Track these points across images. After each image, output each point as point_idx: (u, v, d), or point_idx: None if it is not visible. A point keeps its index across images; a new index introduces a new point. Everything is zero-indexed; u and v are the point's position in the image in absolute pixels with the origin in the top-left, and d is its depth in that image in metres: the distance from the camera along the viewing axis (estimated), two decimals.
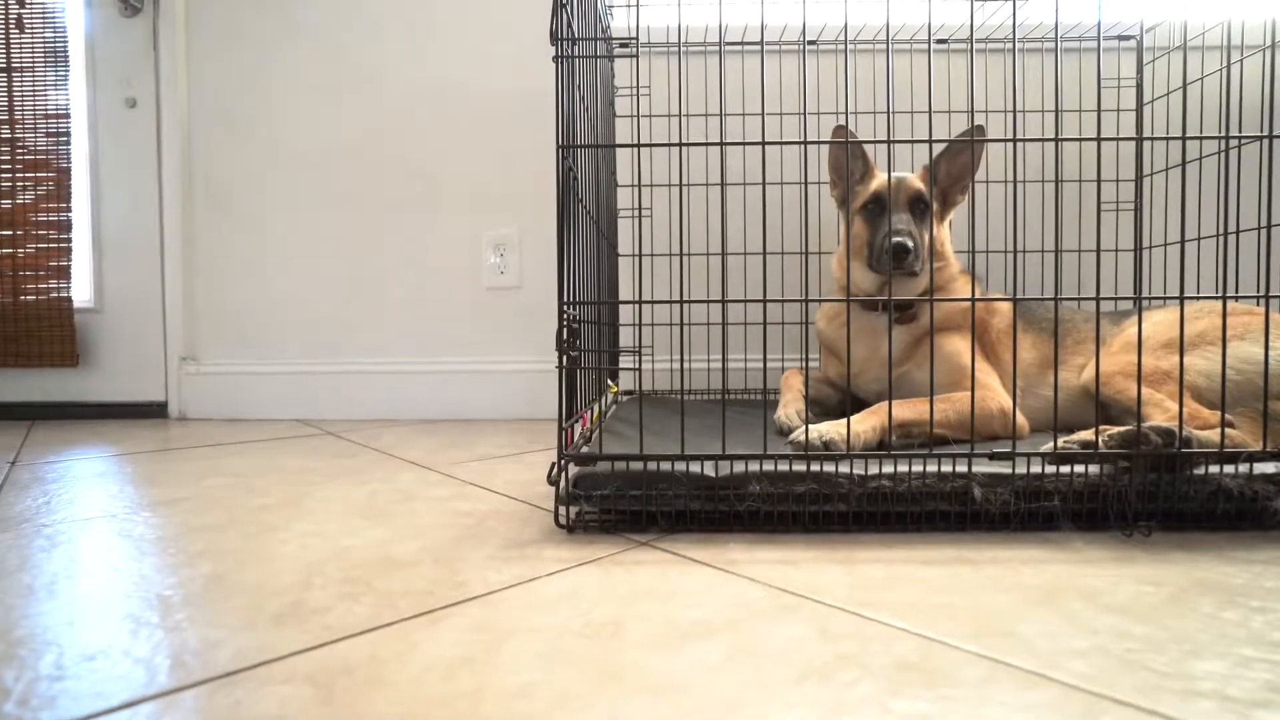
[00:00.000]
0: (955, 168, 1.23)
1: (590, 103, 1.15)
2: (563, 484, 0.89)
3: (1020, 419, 1.08)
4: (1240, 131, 0.93)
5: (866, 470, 0.85)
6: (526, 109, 1.86)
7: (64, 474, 1.25)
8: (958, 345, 1.18)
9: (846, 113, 1.00)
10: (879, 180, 1.25)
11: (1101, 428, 0.90)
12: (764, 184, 0.89)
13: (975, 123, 1.06)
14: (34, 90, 1.91)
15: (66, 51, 1.92)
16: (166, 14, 1.93)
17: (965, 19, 1.55)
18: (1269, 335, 1.00)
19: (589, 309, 1.09)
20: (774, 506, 0.86)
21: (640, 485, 0.86)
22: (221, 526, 0.92)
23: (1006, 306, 1.26)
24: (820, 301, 1.01)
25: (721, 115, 1.09)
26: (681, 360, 0.92)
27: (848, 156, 1.25)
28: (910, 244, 1.14)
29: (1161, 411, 0.98)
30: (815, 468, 0.86)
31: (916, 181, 1.22)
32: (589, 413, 1.11)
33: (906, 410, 1.02)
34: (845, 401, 1.05)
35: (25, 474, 1.26)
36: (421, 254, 1.94)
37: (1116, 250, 1.62)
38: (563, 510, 0.90)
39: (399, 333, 1.95)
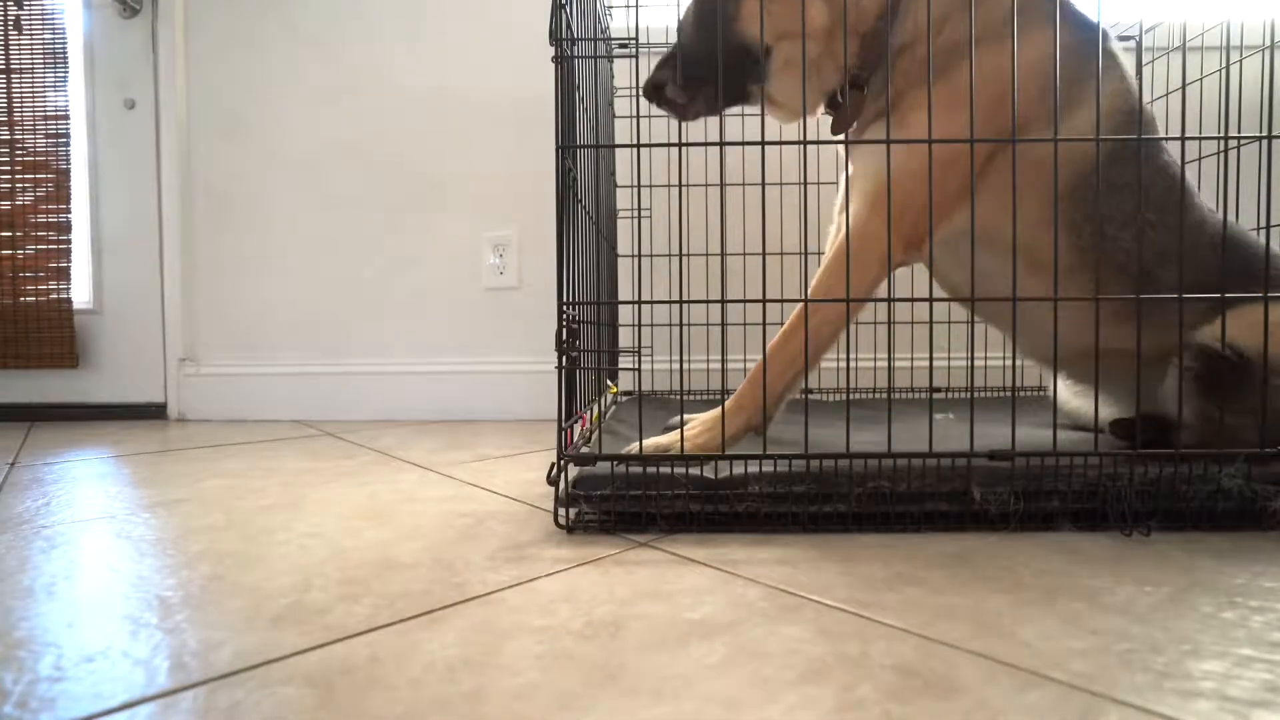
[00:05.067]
0: None
1: (589, 103, 1.15)
2: (562, 484, 0.89)
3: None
4: (1239, 132, 0.93)
5: (865, 469, 0.85)
6: (525, 110, 1.86)
7: (63, 475, 1.25)
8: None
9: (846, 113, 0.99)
10: None
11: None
12: (763, 184, 0.89)
13: None
14: (33, 92, 1.91)
15: (65, 53, 1.92)
16: (165, 16, 1.93)
17: None
18: (1268, 333, 0.99)
19: (588, 309, 1.09)
20: (773, 507, 0.86)
21: (640, 486, 0.86)
22: (221, 527, 0.92)
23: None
24: (820, 303, 1.01)
25: (721, 115, 1.09)
26: (681, 361, 0.92)
27: None
28: (663, 78, 0.87)
29: None
30: (814, 467, 0.86)
31: None
32: (588, 413, 1.11)
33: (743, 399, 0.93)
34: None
35: (24, 475, 1.25)
36: (421, 255, 1.94)
37: None
38: (562, 511, 0.90)
39: (398, 334, 1.95)
